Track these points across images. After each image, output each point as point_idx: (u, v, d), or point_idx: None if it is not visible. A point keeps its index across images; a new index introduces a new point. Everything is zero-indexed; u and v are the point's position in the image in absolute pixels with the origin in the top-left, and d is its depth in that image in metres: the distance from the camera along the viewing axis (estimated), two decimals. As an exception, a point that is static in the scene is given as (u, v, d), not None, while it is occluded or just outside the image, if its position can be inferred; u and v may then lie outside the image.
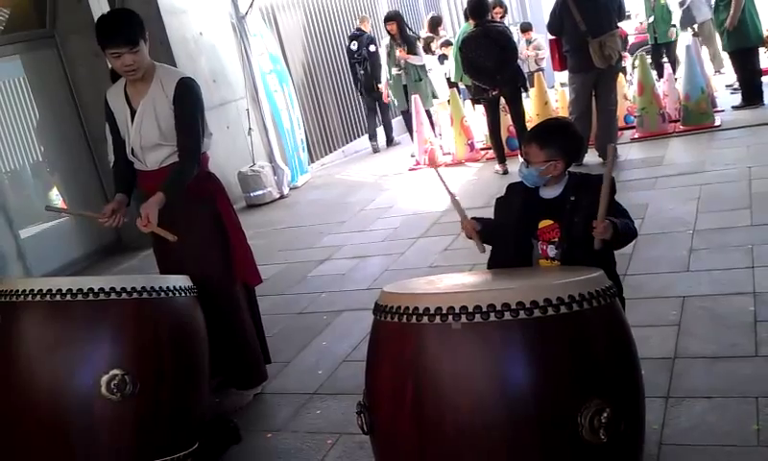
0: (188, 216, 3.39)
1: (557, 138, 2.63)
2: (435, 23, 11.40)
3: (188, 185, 3.35)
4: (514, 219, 2.68)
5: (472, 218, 2.77)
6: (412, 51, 9.48)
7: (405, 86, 9.58)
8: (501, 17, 9.71)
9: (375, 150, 10.79)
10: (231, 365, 3.54)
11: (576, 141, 2.74)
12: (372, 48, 10.34)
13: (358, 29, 10.70)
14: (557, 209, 2.60)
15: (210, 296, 3.24)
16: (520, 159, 2.71)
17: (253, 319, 3.70)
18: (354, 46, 10.48)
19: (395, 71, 9.57)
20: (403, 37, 9.54)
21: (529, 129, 3.29)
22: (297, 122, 9.27)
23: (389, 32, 9.57)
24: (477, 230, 2.73)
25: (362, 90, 10.60)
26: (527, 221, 2.65)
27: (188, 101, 3.32)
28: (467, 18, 9.86)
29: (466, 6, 9.10)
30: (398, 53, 9.45)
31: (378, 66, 10.17)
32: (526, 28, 12.42)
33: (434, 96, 9.75)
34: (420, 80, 9.51)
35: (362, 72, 10.40)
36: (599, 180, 2.56)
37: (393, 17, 9.66)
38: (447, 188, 2.86)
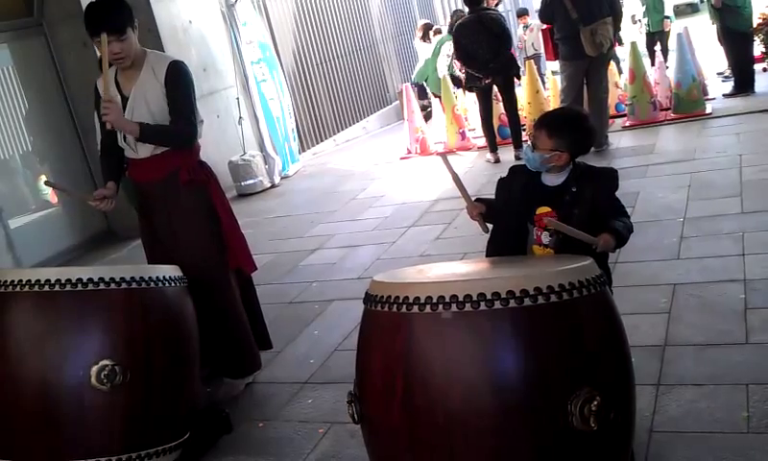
0: (182, 205, 3.39)
1: (568, 130, 2.60)
2: (426, 31, 10.63)
3: (181, 174, 3.34)
4: (513, 200, 2.68)
5: (476, 200, 2.76)
6: None
7: None
8: (496, 5, 9.62)
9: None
10: (224, 353, 3.52)
11: (587, 136, 2.70)
12: None
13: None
14: (557, 198, 2.60)
15: (204, 284, 3.23)
16: (525, 145, 2.67)
17: (252, 306, 3.70)
18: None
19: None
20: None
21: (542, 113, 3.28)
22: (287, 111, 9.21)
23: None
24: (481, 212, 2.73)
25: None
26: (526, 205, 2.65)
27: (181, 83, 3.32)
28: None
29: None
30: None
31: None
32: (522, 13, 12.35)
33: None
34: None
35: None
36: (603, 173, 2.63)
37: None
38: (454, 174, 2.78)
